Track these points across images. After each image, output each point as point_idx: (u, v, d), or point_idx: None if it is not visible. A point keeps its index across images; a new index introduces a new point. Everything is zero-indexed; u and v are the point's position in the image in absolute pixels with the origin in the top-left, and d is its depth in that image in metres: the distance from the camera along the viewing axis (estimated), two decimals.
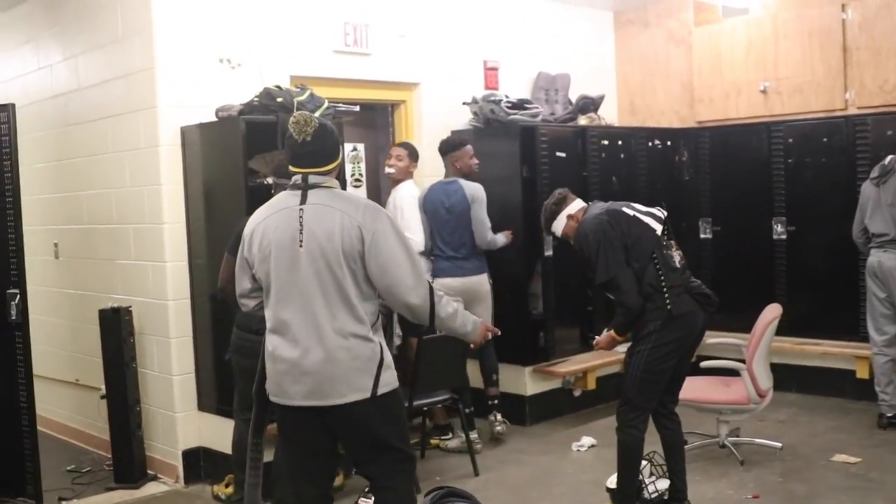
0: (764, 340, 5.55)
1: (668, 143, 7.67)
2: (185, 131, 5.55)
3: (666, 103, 8.10)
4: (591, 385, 6.89)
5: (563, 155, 6.74)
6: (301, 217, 3.41)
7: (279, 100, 5.25)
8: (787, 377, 7.31)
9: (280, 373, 3.48)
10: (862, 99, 7.07)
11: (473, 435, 5.97)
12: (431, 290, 3.48)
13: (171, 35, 5.51)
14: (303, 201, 3.44)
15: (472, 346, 4.08)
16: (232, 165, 5.26)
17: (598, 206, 4.77)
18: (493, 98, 6.68)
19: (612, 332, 4.66)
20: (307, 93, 5.37)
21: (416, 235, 6.16)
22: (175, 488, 5.62)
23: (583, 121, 7.23)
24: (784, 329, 7.19)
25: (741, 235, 7.53)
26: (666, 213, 4.74)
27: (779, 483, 5.32)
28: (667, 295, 4.49)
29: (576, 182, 6.75)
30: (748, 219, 7.45)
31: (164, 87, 5.50)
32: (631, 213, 4.64)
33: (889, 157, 6.16)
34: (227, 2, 5.76)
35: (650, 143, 7.50)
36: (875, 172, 6.23)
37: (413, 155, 6.36)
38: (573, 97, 7.48)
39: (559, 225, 4.82)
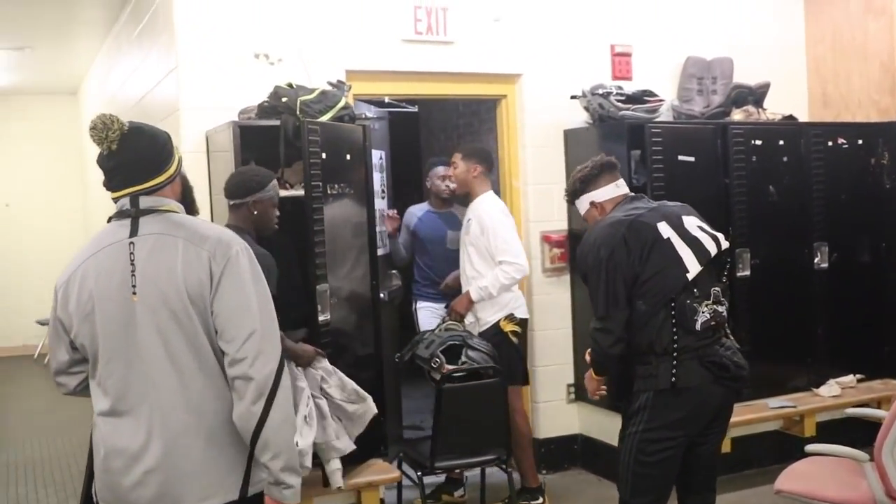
0: None
1: (860, 141, 6.01)
2: (209, 136, 4.97)
3: (863, 91, 6.35)
4: (725, 446, 5.49)
5: (689, 159, 5.41)
6: (132, 254, 2.47)
7: (284, 100, 4.50)
8: None
9: (114, 472, 2.49)
10: None
11: None
12: (280, 369, 2.46)
13: (194, 30, 4.96)
14: (133, 233, 2.51)
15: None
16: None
17: (631, 206, 3.51)
18: (601, 90, 5.47)
19: (590, 371, 3.55)
20: (316, 91, 4.56)
21: (520, 259, 4.91)
22: None
23: (737, 115, 5.80)
24: None
25: None
26: (726, 245, 3.48)
27: None
28: (675, 361, 3.26)
29: (715, 192, 5.47)
30: None
31: (187, 88, 4.96)
32: (666, 234, 3.36)
33: None
34: None
35: (830, 143, 5.92)
36: None
37: (472, 157, 5.11)
38: None
39: (582, 207, 3.66)
